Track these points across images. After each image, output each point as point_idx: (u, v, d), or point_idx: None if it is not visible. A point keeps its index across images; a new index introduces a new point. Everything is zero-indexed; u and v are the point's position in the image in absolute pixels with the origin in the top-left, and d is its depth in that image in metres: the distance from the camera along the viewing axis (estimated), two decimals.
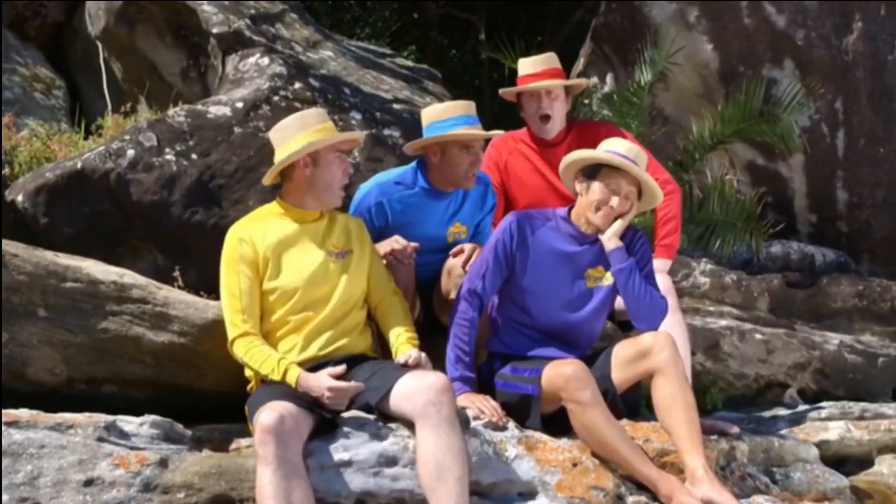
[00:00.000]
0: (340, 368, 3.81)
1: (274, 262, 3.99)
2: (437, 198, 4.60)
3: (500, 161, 5.05)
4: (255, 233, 4.03)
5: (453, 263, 4.49)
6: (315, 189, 4.07)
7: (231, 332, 3.92)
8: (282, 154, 4.06)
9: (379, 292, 4.21)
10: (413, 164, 4.66)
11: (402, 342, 4.07)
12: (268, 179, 4.20)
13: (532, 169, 5.00)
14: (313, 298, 4.00)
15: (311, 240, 4.07)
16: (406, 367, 3.88)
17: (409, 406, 3.72)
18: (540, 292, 4.30)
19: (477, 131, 4.52)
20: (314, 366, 3.89)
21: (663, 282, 4.52)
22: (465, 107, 4.60)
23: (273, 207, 4.17)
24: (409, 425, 3.79)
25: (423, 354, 3.97)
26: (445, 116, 4.55)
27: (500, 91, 5.15)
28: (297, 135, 4.05)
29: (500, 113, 9.40)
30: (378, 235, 4.45)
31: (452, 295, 4.39)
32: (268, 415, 3.52)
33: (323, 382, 3.72)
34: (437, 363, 4.33)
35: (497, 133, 4.85)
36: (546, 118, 4.94)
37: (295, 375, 3.76)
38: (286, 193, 4.15)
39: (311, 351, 3.96)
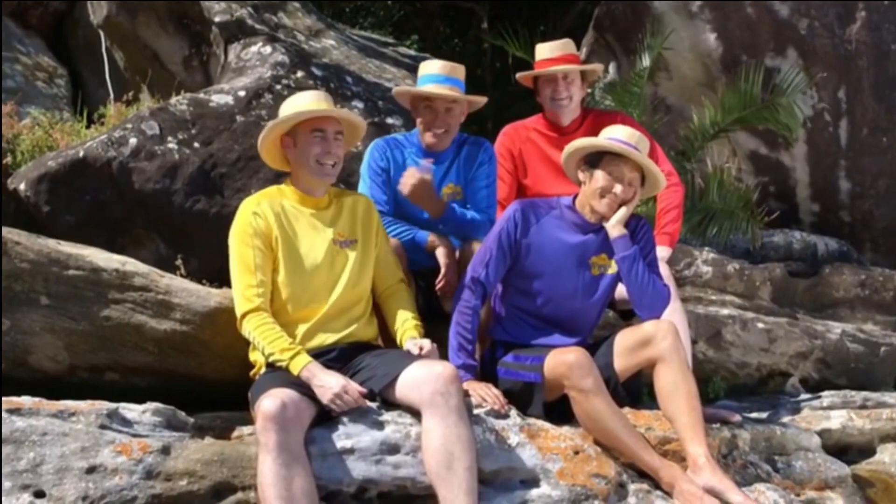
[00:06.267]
0: (362, 389, 3.78)
1: (283, 244, 3.97)
2: (429, 158, 4.66)
3: (513, 148, 5.05)
4: (268, 209, 4.00)
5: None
6: (300, 168, 4.07)
7: (243, 306, 3.86)
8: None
9: (385, 279, 4.20)
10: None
11: (409, 328, 4.08)
12: (268, 161, 4.23)
13: (545, 157, 5.01)
14: (318, 288, 3.98)
15: (316, 228, 4.05)
16: (414, 356, 3.88)
17: (416, 395, 3.72)
18: (544, 281, 4.30)
19: (438, 89, 4.58)
20: (318, 353, 3.88)
21: (662, 270, 4.52)
22: (442, 66, 4.68)
23: (283, 189, 4.14)
24: (412, 413, 3.80)
25: (434, 345, 3.97)
26: (424, 73, 4.69)
27: (518, 75, 5.14)
28: (283, 115, 4.08)
29: (502, 102, 9.39)
30: (387, 177, 4.62)
31: None
32: (270, 402, 3.52)
33: (333, 380, 3.71)
34: (439, 350, 4.35)
35: (476, 99, 4.77)
36: (561, 100, 4.94)
37: (302, 363, 3.74)
38: (292, 177, 4.15)
39: (318, 340, 3.95)
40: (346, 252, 4.06)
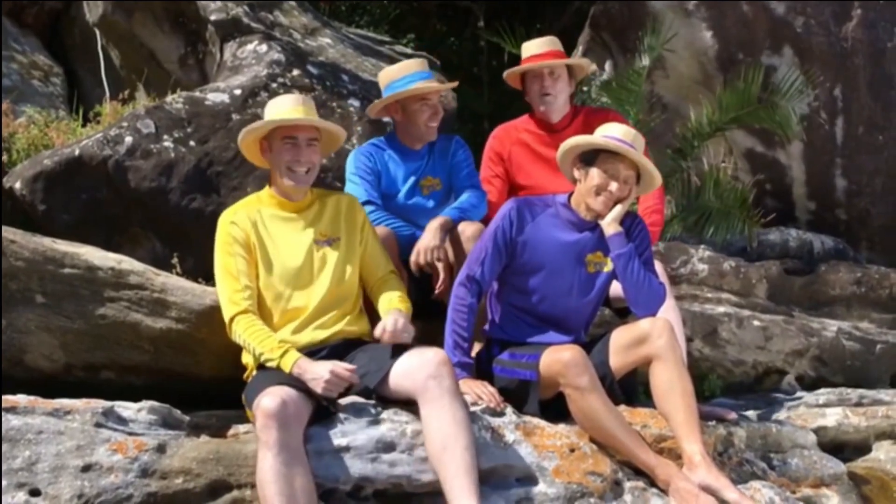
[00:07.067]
0: (350, 366, 3.77)
1: (261, 250, 4.00)
2: (408, 157, 4.84)
3: (502, 151, 5.06)
4: (245, 217, 4.04)
5: (463, 227, 4.57)
6: (275, 173, 4.11)
7: (230, 310, 3.89)
8: None
9: (374, 273, 4.19)
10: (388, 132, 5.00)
11: (394, 301, 4.06)
12: (253, 162, 4.30)
13: (536, 157, 5.01)
14: (300, 288, 4.00)
15: (295, 230, 4.08)
16: (406, 348, 3.86)
17: (409, 383, 3.73)
18: (540, 278, 4.30)
19: (432, 84, 4.79)
20: (309, 352, 3.88)
21: (656, 268, 4.52)
22: (418, 64, 4.90)
23: (262, 196, 4.18)
24: (408, 410, 3.80)
25: (402, 318, 3.89)
26: (401, 75, 4.82)
27: (504, 73, 5.16)
28: (262, 120, 4.14)
29: (499, 101, 9.40)
30: (377, 179, 4.74)
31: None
32: (270, 400, 3.52)
33: (323, 368, 3.70)
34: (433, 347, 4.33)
35: (452, 85, 5.09)
36: (548, 96, 4.95)
37: (293, 359, 3.75)
38: (271, 181, 4.18)
39: (307, 338, 3.96)
40: (328, 251, 4.08)
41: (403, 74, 4.80)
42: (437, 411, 3.64)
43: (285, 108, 4.11)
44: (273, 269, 3.99)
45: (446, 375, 3.69)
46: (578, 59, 5.19)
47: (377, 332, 3.89)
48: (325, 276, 4.03)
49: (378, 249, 4.25)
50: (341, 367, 3.73)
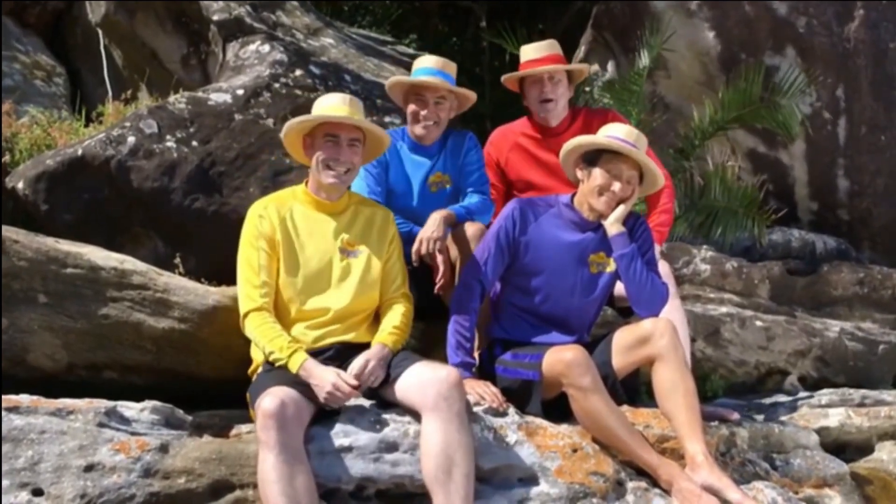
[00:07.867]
0: (353, 381, 3.75)
1: (285, 247, 3.99)
2: (418, 151, 4.81)
3: (500, 158, 5.05)
4: (274, 212, 4.03)
5: (465, 226, 4.54)
6: (313, 170, 4.09)
7: (245, 305, 3.89)
8: None
9: (386, 291, 4.14)
10: None
11: (384, 333, 3.99)
12: (295, 157, 4.30)
13: (535, 160, 5.00)
14: (317, 292, 3.99)
15: (323, 233, 4.07)
16: (415, 358, 3.87)
17: (418, 397, 3.72)
18: (543, 279, 4.30)
19: (428, 79, 4.71)
20: (315, 351, 3.87)
21: (661, 268, 4.52)
22: (435, 61, 4.83)
23: (297, 191, 4.17)
24: (410, 412, 3.80)
25: (374, 360, 3.84)
26: (417, 67, 4.83)
27: (502, 78, 5.14)
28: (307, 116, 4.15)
29: (500, 101, 9.38)
30: (384, 171, 4.72)
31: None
32: (270, 400, 3.52)
33: (328, 376, 3.71)
34: (435, 348, 4.34)
35: (466, 93, 4.86)
36: (548, 102, 4.93)
37: (300, 360, 3.74)
38: (309, 179, 4.16)
39: (314, 339, 3.95)
40: (350, 262, 4.06)
41: (419, 66, 4.81)
42: (442, 433, 3.62)
43: (331, 105, 4.12)
44: (294, 269, 3.98)
45: (457, 398, 3.68)
46: (578, 65, 5.17)
47: (352, 369, 3.82)
48: (346, 287, 4.01)
49: (398, 268, 4.20)
50: (345, 380, 3.72)
